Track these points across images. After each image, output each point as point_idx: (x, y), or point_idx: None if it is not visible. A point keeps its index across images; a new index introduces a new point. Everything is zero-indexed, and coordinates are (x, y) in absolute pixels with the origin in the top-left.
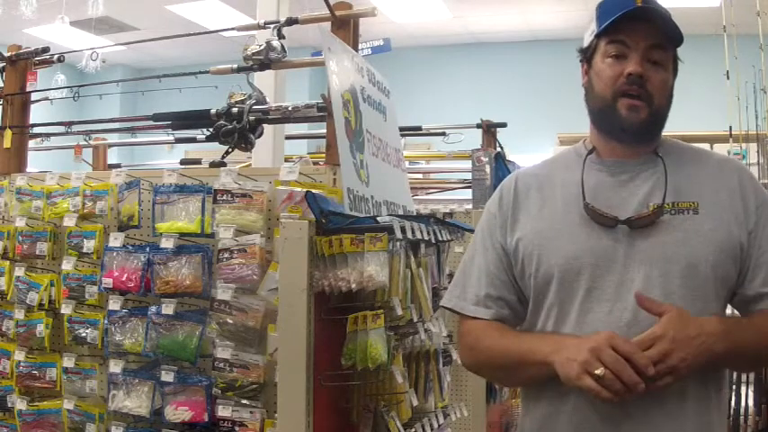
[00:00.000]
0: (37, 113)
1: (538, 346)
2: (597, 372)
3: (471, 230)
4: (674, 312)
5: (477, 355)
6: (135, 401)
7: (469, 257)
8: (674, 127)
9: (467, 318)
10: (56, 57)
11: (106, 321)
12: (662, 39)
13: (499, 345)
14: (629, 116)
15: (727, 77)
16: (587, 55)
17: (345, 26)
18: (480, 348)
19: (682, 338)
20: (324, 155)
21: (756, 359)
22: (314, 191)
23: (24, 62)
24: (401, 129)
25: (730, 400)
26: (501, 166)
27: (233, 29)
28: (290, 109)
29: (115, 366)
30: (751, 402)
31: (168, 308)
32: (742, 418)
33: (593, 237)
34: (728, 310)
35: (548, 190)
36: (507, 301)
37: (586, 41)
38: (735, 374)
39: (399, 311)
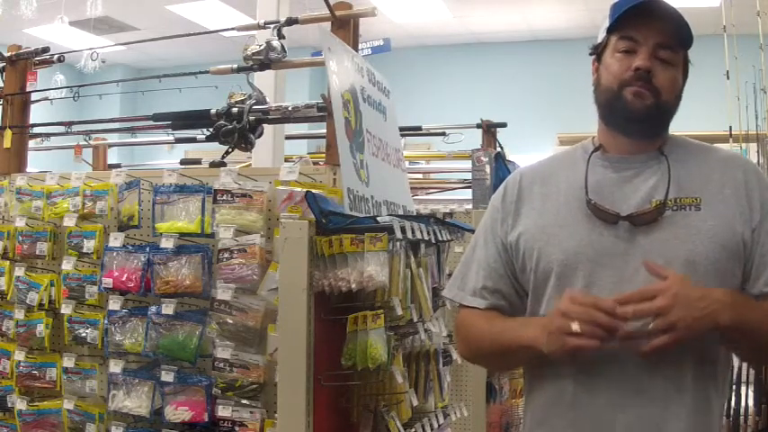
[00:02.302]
0: (37, 113)
1: (522, 331)
2: (574, 328)
3: (471, 230)
4: (680, 275)
5: (470, 345)
6: (135, 401)
7: (471, 249)
8: (673, 127)
9: (464, 307)
10: (56, 57)
11: (106, 321)
12: (671, 39)
13: (487, 333)
14: (634, 102)
15: (727, 77)
16: (598, 51)
17: (345, 26)
18: (471, 338)
19: (684, 297)
20: (324, 155)
21: (762, 345)
22: (314, 191)
23: (24, 62)
24: (401, 129)
25: (730, 399)
26: (501, 166)
27: (233, 29)
28: (290, 109)
29: (115, 366)
30: (751, 402)
31: (168, 308)
32: (742, 418)
33: (595, 232)
34: None
35: (552, 186)
36: (504, 294)
37: (599, 39)
38: (735, 374)
39: (399, 311)
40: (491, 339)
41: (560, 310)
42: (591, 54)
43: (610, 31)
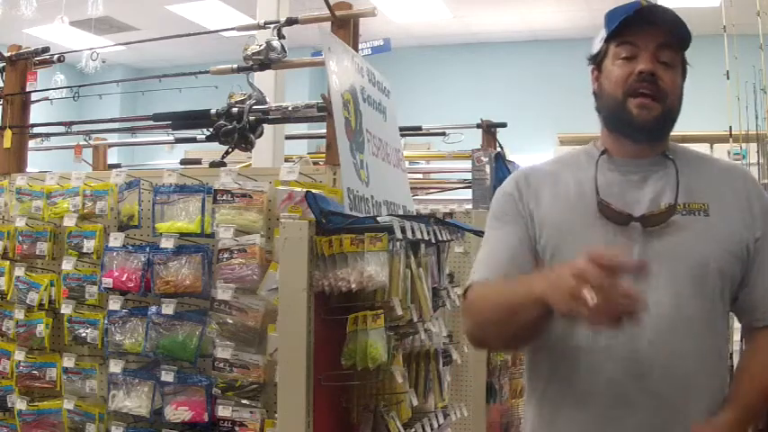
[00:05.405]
0: (37, 113)
1: (534, 283)
2: (587, 297)
3: (471, 230)
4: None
5: (478, 315)
6: (135, 401)
7: (483, 245)
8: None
9: (471, 287)
10: (56, 57)
11: (106, 321)
12: (670, 39)
13: (495, 296)
14: (641, 114)
15: (728, 77)
16: (597, 60)
17: (345, 26)
18: (478, 307)
19: None
20: (324, 155)
21: None
22: (314, 191)
23: (24, 62)
24: (401, 129)
25: None
26: (501, 166)
27: (233, 29)
28: (290, 109)
29: (115, 366)
30: None
31: (168, 308)
32: None
33: (609, 234)
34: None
35: (561, 186)
36: (523, 266)
37: (596, 48)
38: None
39: (399, 311)
40: (498, 301)
41: (576, 269)
42: (589, 64)
43: (608, 39)
